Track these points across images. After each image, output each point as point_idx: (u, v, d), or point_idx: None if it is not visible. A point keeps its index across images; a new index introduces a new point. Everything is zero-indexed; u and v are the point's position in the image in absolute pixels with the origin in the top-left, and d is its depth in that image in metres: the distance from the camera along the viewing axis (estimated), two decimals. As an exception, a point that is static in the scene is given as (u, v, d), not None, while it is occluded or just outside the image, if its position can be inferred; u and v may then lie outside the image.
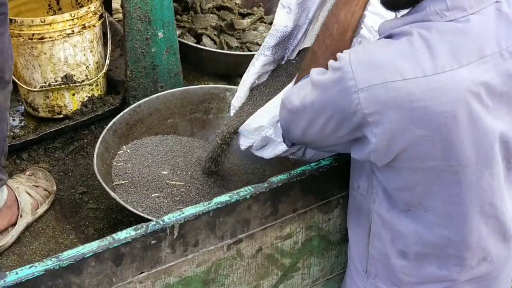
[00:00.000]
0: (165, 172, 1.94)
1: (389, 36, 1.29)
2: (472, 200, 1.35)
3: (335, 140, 1.39)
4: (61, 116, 2.24)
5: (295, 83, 1.54)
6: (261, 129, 1.65)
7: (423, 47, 1.22)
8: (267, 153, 1.70)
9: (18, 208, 1.84)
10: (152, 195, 1.85)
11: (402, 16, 1.33)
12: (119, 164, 1.97)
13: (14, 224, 1.82)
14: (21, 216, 1.84)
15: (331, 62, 1.29)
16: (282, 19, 1.68)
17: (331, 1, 1.63)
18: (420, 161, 1.29)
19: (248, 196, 1.39)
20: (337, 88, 1.26)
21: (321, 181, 1.50)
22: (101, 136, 1.93)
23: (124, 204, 1.70)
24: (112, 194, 1.71)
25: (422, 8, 1.27)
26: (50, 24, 2.07)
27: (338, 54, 1.28)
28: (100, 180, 1.76)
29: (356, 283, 1.58)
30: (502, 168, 1.36)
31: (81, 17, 2.12)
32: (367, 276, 1.55)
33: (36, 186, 1.94)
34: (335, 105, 1.29)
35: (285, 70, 1.78)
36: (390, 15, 1.45)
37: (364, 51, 1.27)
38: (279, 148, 1.64)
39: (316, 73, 1.34)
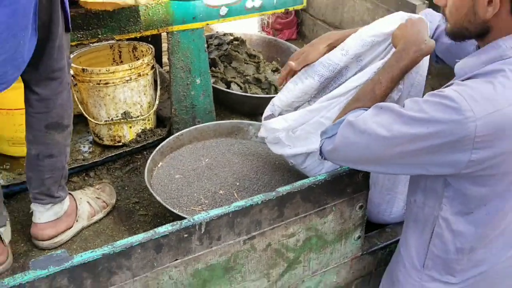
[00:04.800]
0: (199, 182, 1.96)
1: (473, 77, 1.25)
2: None
3: (408, 162, 1.30)
4: (120, 144, 2.31)
5: (344, 109, 1.50)
6: (275, 131, 1.70)
7: None
8: (275, 149, 1.76)
9: (76, 215, 1.90)
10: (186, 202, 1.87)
11: (474, 55, 1.30)
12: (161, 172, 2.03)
13: (71, 227, 1.88)
14: (77, 221, 1.90)
15: (430, 99, 1.23)
16: (337, 57, 1.65)
17: (385, 57, 1.57)
18: (504, 170, 1.25)
19: (259, 202, 1.40)
20: (451, 119, 1.18)
21: (317, 192, 1.50)
22: (151, 155, 2.00)
23: (162, 202, 1.78)
24: (154, 194, 1.80)
25: (497, 46, 1.24)
26: (113, 72, 2.16)
27: (441, 93, 1.22)
28: (150, 188, 1.83)
29: (411, 275, 1.51)
30: None
31: (137, 67, 2.20)
32: (423, 269, 1.49)
33: (98, 198, 1.99)
34: (442, 134, 1.20)
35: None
36: None
37: (472, 90, 1.19)
38: (285, 150, 1.71)
39: (410, 110, 1.25)
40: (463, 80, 1.27)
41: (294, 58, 1.79)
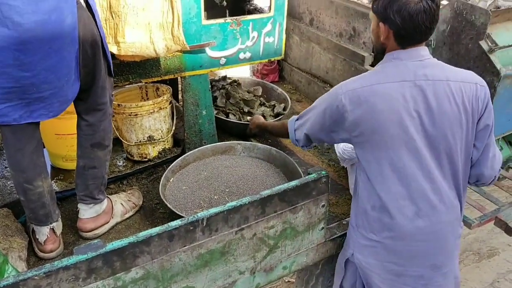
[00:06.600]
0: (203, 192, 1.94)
1: None
2: (412, 167, 1.38)
3: (327, 129, 1.48)
4: (146, 159, 2.30)
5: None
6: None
7: (377, 72, 1.41)
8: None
9: (112, 213, 1.88)
10: (192, 209, 1.86)
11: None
12: (172, 185, 2.01)
13: (108, 222, 1.86)
14: (112, 218, 1.88)
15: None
16: None
17: None
18: (371, 133, 1.37)
19: (247, 202, 1.40)
20: (333, 94, 1.43)
21: (291, 195, 1.51)
22: (164, 173, 1.98)
23: (173, 209, 1.77)
24: (168, 205, 1.79)
25: (386, 57, 1.43)
26: (141, 106, 2.16)
27: None
28: (163, 199, 1.82)
29: (351, 235, 1.56)
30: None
31: (158, 102, 2.21)
32: (356, 228, 1.52)
33: (129, 200, 1.98)
34: (329, 103, 1.44)
35: None
36: None
37: (349, 79, 1.44)
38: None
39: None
40: None
41: None
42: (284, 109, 2.74)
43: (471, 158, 1.46)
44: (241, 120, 2.57)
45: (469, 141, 1.42)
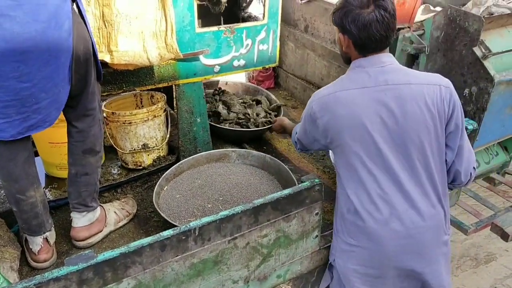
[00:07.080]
0: (198, 200, 1.92)
1: None
2: (377, 170, 1.41)
3: (309, 136, 1.55)
4: (140, 167, 2.29)
5: None
6: None
7: (342, 80, 1.45)
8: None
9: (105, 221, 1.87)
10: (186, 217, 1.85)
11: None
12: (166, 193, 2.00)
13: (101, 231, 1.85)
14: (106, 226, 1.86)
15: None
16: None
17: None
18: (338, 138, 1.43)
19: (240, 211, 1.40)
20: (308, 104, 1.50)
21: (284, 203, 1.50)
22: (158, 182, 1.97)
23: (166, 217, 1.75)
24: (162, 213, 1.77)
25: (351, 65, 1.48)
26: (135, 114, 2.16)
27: None
28: (157, 207, 1.81)
29: (334, 239, 1.60)
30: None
31: (152, 110, 2.20)
32: (337, 233, 1.54)
33: (122, 209, 1.97)
34: (306, 112, 1.52)
35: None
36: None
37: (322, 87, 1.50)
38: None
39: None
40: None
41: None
42: (270, 102, 2.80)
43: (446, 160, 1.46)
44: (264, 126, 2.56)
45: (441, 144, 1.42)
